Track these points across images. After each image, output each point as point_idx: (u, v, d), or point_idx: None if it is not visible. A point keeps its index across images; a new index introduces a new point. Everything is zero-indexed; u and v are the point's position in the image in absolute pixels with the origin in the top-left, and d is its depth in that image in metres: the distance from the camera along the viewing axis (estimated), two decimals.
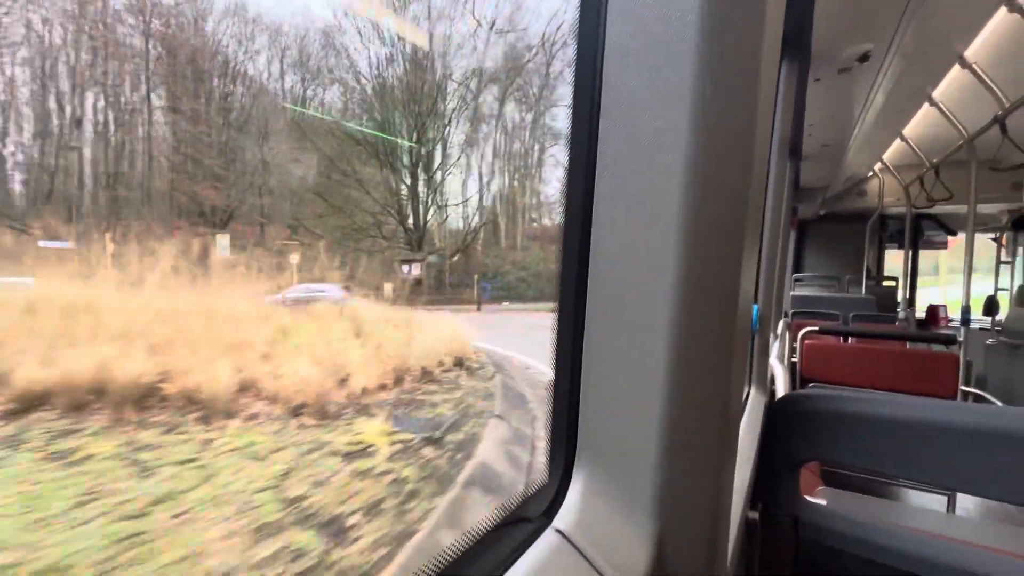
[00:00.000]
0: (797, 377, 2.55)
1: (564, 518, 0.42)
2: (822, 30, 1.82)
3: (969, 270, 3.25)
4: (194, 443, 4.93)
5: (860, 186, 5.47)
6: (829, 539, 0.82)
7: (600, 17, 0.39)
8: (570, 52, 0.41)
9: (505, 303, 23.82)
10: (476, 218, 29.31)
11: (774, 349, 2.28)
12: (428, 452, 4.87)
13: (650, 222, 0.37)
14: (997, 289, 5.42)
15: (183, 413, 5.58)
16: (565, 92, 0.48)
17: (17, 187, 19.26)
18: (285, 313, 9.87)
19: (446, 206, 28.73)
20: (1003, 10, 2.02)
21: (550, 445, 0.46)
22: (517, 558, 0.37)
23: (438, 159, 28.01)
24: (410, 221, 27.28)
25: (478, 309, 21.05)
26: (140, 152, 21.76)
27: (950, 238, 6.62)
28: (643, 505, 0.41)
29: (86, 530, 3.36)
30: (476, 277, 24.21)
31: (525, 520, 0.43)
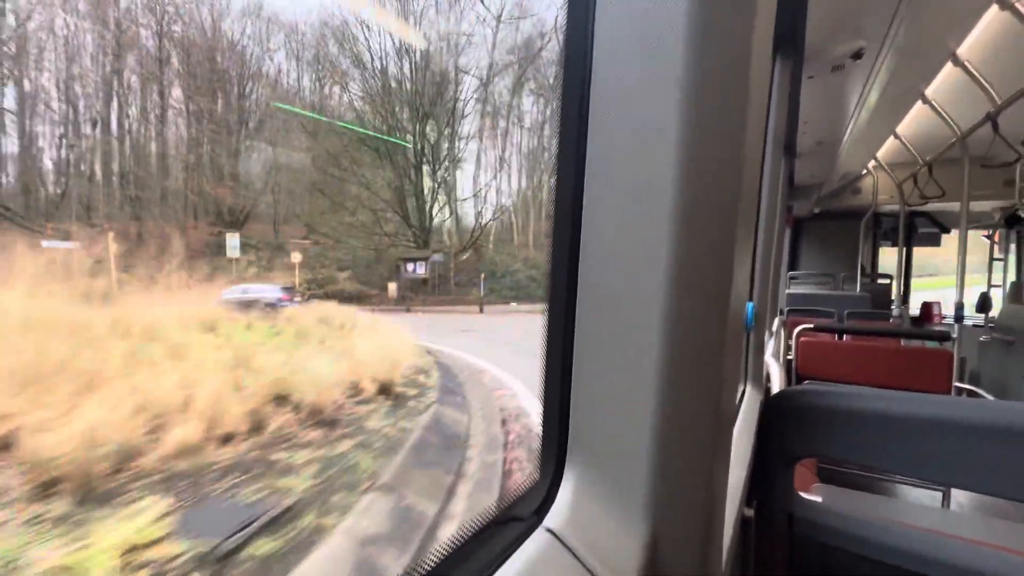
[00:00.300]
0: (792, 374, 2.56)
1: (555, 517, 0.42)
2: (815, 27, 1.83)
3: (962, 267, 3.26)
4: None
5: (854, 184, 5.50)
6: (824, 535, 0.82)
7: (589, 12, 0.38)
8: (558, 47, 0.41)
9: (513, 303, 23.68)
10: (485, 214, 29.07)
11: (769, 346, 2.29)
12: None
13: (641, 219, 0.37)
14: (990, 286, 5.47)
15: None
16: None
17: None
18: (192, 320, 8.11)
19: (454, 202, 28.51)
20: (995, 8, 2.04)
21: (541, 443, 0.46)
22: (507, 557, 0.37)
23: (444, 152, 27.85)
24: (414, 218, 27.04)
25: (480, 311, 20.65)
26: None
27: (944, 235, 6.66)
28: (636, 504, 0.40)
29: None
30: (483, 276, 23.96)
31: (515, 519, 0.43)
